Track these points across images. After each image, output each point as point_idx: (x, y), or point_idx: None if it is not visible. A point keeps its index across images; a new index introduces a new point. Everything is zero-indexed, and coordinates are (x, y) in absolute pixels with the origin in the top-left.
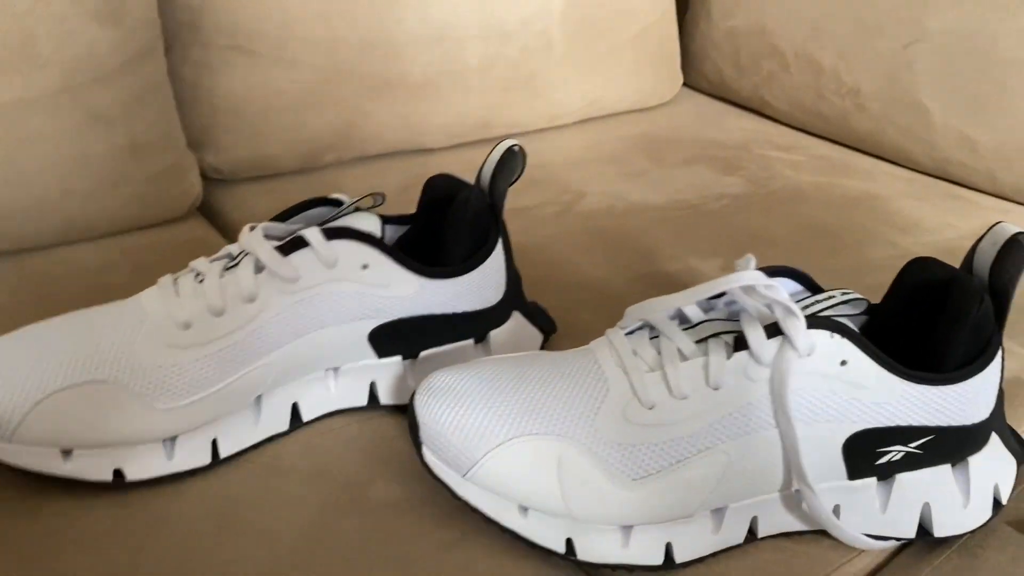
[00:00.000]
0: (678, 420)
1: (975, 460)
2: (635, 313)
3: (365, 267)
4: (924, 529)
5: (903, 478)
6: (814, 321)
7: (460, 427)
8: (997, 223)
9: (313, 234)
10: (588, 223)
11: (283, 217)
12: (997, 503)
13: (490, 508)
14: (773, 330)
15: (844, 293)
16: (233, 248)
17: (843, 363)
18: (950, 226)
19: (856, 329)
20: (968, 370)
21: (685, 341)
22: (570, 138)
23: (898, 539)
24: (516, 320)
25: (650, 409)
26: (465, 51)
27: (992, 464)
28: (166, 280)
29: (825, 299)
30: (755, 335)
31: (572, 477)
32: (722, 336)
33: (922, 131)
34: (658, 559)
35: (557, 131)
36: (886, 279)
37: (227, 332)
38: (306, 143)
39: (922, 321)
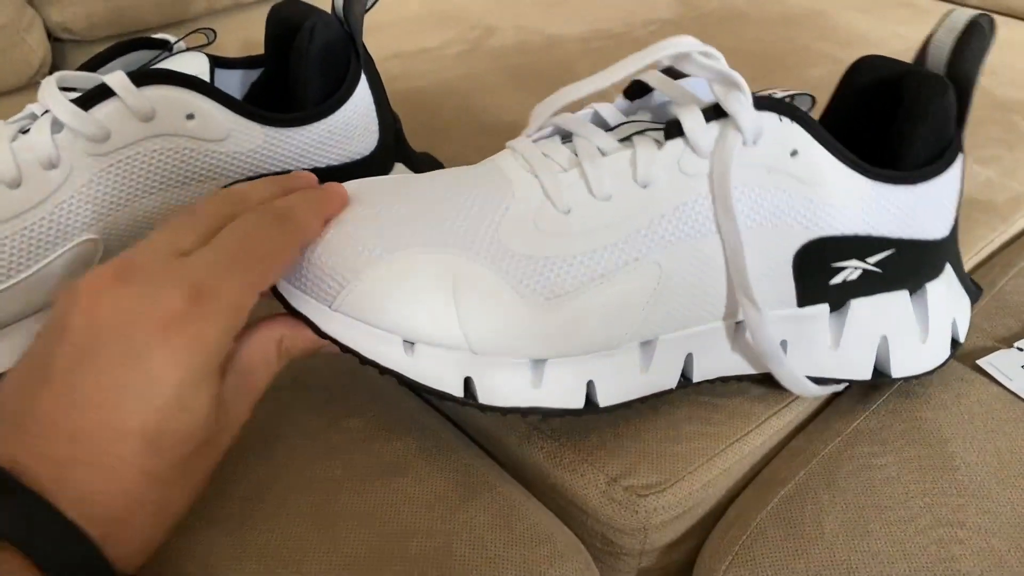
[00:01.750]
0: (600, 226)
1: (933, 288)
2: (543, 111)
3: (191, 117)
4: (879, 371)
5: (858, 305)
6: (759, 102)
7: (327, 243)
8: (951, 10)
9: (119, 80)
10: (499, 61)
11: (94, 65)
12: (955, 342)
13: (365, 345)
14: (711, 115)
15: (785, 91)
16: (36, 107)
17: (794, 153)
18: (898, 36)
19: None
20: (932, 168)
21: (605, 139)
22: None
23: (851, 381)
24: (399, 173)
25: (566, 214)
26: None
27: (949, 295)
28: None
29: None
30: (691, 118)
31: (472, 297)
32: (649, 134)
33: None
34: (578, 401)
35: None
36: (827, 97)
37: (29, 207)
38: None
39: (874, 125)
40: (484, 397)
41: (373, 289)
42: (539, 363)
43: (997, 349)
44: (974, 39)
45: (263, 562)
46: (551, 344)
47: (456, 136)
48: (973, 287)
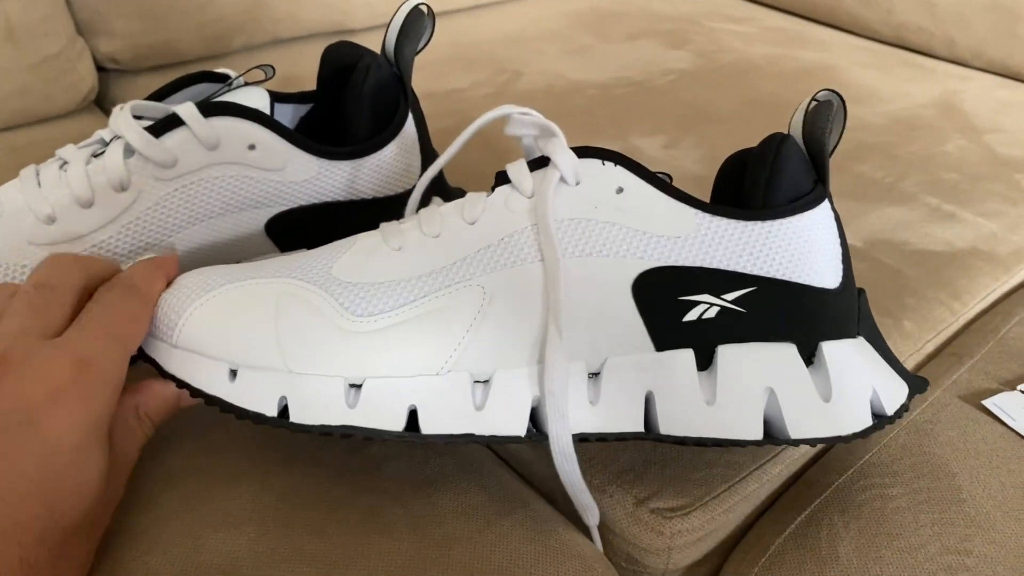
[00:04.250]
0: (427, 258)
1: (833, 348)
2: (416, 191)
3: (252, 148)
4: (772, 433)
5: (728, 352)
6: (582, 150)
7: (173, 286)
8: (820, 91)
9: (189, 111)
10: (525, 103)
11: (161, 96)
12: (880, 415)
13: (196, 376)
14: (537, 166)
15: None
16: (105, 133)
17: (619, 191)
18: (906, 95)
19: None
20: (783, 208)
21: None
22: (508, 15)
23: (739, 442)
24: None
25: (397, 251)
26: None
27: (862, 362)
28: (28, 171)
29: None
30: (516, 168)
31: (292, 314)
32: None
33: None
34: (397, 425)
35: (494, 7)
36: (841, 149)
37: (99, 225)
38: (211, 25)
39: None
40: (297, 416)
41: (203, 317)
42: (357, 383)
43: (1001, 391)
44: (821, 109)
45: (316, 566)
46: (368, 362)
47: (481, 174)
48: (914, 378)
